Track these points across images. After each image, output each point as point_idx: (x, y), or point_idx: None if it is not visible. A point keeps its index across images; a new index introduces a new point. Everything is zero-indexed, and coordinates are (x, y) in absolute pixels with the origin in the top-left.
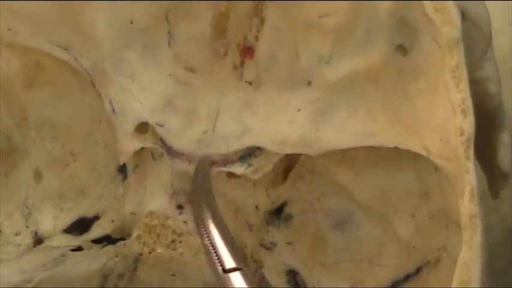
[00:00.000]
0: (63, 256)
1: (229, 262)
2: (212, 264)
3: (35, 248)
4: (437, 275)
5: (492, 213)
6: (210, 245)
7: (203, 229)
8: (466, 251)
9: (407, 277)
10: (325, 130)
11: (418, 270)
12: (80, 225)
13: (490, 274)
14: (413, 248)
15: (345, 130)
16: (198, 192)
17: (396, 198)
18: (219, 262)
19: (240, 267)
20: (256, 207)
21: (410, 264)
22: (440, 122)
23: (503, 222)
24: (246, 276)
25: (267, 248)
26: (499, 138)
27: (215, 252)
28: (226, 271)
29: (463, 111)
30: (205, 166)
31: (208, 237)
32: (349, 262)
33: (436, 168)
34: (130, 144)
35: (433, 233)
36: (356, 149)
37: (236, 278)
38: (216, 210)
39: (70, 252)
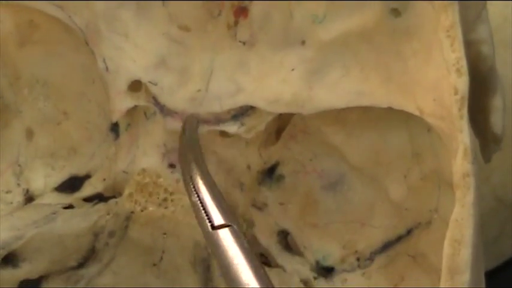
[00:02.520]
0: (54, 214)
1: (218, 219)
2: (201, 221)
3: (26, 206)
4: (429, 237)
5: (483, 182)
6: (198, 202)
7: (191, 186)
8: (459, 210)
9: (399, 238)
10: (318, 89)
11: (409, 232)
12: (72, 184)
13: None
14: (405, 209)
15: (338, 89)
16: (186, 150)
17: (388, 159)
18: (208, 219)
19: (229, 223)
20: (248, 167)
21: (402, 226)
22: (434, 82)
23: (494, 191)
24: (235, 233)
25: (259, 208)
26: (492, 101)
27: (204, 209)
28: (215, 227)
29: (458, 71)
30: (192, 124)
31: (196, 194)
32: (341, 223)
33: (429, 129)
34: (123, 103)
35: (424, 194)
36: (349, 110)
37: (225, 235)
38: (204, 167)
39: (61, 209)
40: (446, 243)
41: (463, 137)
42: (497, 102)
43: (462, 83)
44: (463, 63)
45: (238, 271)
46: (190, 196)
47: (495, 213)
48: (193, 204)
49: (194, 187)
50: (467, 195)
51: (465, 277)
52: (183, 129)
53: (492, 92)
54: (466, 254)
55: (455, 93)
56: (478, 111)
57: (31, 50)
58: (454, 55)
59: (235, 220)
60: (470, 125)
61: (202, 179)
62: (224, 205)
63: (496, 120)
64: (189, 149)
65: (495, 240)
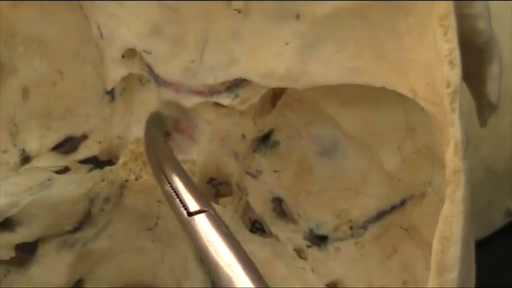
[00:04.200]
0: (49, 180)
1: (193, 205)
2: (176, 210)
3: (22, 170)
4: (422, 208)
5: (472, 152)
6: (171, 191)
7: (163, 177)
8: (449, 206)
9: (393, 208)
10: (312, 64)
11: (403, 202)
12: (67, 145)
13: (473, 227)
14: (399, 180)
15: (331, 65)
16: (152, 143)
17: (382, 130)
18: (183, 206)
19: (205, 209)
20: (243, 136)
21: (396, 196)
22: (428, 64)
23: (483, 161)
24: (212, 217)
25: (253, 176)
26: (488, 70)
27: (178, 197)
28: (191, 214)
29: (450, 62)
30: (155, 118)
31: (169, 183)
32: (335, 190)
33: (424, 109)
34: (117, 70)
35: (418, 167)
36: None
37: (202, 220)
38: (174, 157)
39: (56, 175)
40: (435, 239)
41: (454, 131)
42: (493, 71)
43: (454, 75)
44: (456, 54)
45: (219, 254)
46: (162, 186)
47: (485, 183)
48: (166, 194)
49: (166, 177)
50: (457, 192)
51: (453, 275)
52: (147, 123)
53: (488, 61)
54: (454, 251)
55: (448, 86)
56: (474, 78)
57: (26, 8)
58: (447, 46)
59: (210, 206)
60: (468, 88)
61: (173, 168)
62: (198, 192)
63: (492, 88)
64: (155, 141)
65: (485, 210)
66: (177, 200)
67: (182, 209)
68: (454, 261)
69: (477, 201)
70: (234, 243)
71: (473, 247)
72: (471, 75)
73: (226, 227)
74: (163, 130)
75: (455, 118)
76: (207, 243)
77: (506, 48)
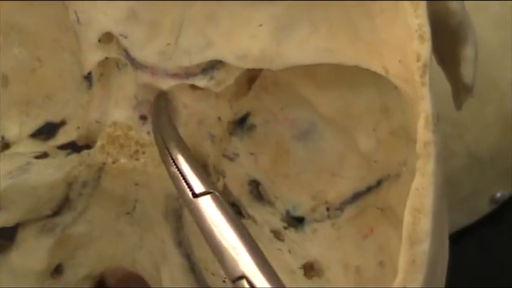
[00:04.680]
0: (28, 164)
1: (198, 187)
2: (181, 191)
3: (1, 156)
4: (398, 188)
5: (457, 139)
6: (177, 172)
7: (169, 157)
8: (419, 178)
9: (369, 189)
10: (286, 46)
11: (379, 183)
12: (46, 130)
13: (447, 200)
14: (374, 161)
15: (305, 46)
16: (159, 124)
17: (358, 111)
18: (189, 187)
19: (210, 190)
20: (219, 118)
21: (371, 177)
22: (400, 42)
23: (468, 149)
24: (217, 199)
25: (230, 159)
26: (462, 52)
27: (183, 178)
28: (197, 195)
29: (420, 37)
30: (162, 101)
31: (175, 164)
32: (311, 173)
33: (396, 86)
34: (94, 55)
35: (393, 147)
36: (319, 64)
37: (207, 201)
38: (180, 138)
39: (35, 160)
40: (406, 211)
41: (424, 104)
42: (467, 53)
43: (425, 49)
44: (426, 29)
45: (224, 236)
46: (168, 167)
47: (469, 170)
48: (172, 175)
49: (172, 158)
50: (427, 164)
51: (425, 246)
52: (154, 105)
53: (462, 43)
54: (425, 223)
55: (418, 59)
56: (449, 61)
57: None
58: (417, 21)
59: (215, 187)
60: (443, 71)
61: (179, 149)
62: (203, 173)
63: (467, 71)
64: (162, 123)
65: (469, 197)
66: (183, 181)
67: (187, 190)
68: (425, 233)
69: (462, 188)
70: (239, 226)
71: (446, 221)
72: (446, 58)
73: (231, 208)
74: (169, 111)
75: (426, 91)
76: (212, 225)
77: (491, 38)
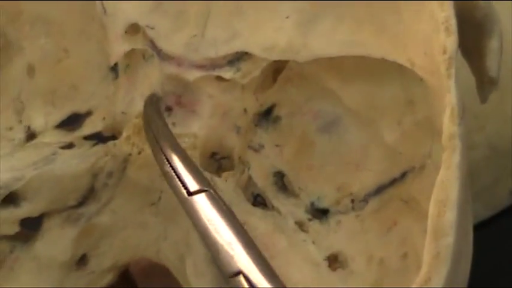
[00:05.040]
0: (53, 155)
1: (193, 185)
2: (176, 189)
3: (27, 145)
4: (422, 181)
5: (477, 131)
6: (171, 170)
7: (162, 156)
8: (445, 171)
9: (393, 182)
10: (312, 38)
11: (403, 175)
12: (72, 121)
13: (470, 193)
14: (399, 153)
15: (331, 38)
16: (151, 123)
17: (382, 104)
18: (183, 186)
19: (205, 188)
20: (245, 110)
21: (396, 169)
22: (426, 35)
23: (488, 140)
24: (212, 197)
25: (255, 150)
26: (487, 44)
27: (178, 177)
28: (191, 193)
29: (447, 29)
30: (153, 99)
31: (168, 163)
32: (336, 165)
33: (421, 79)
34: (120, 46)
35: (418, 139)
36: (344, 56)
37: (202, 199)
38: (173, 137)
39: (60, 150)
40: (431, 204)
41: (450, 97)
42: (493, 45)
43: (451, 42)
44: (452, 22)
45: (219, 233)
46: (162, 166)
47: (489, 162)
48: (166, 174)
49: (165, 156)
50: (453, 157)
51: (449, 239)
52: (145, 105)
53: (488, 35)
54: (451, 216)
55: (444, 52)
56: (474, 53)
57: None
58: (444, 14)
59: (210, 185)
60: (468, 64)
61: (172, 148)
62: (198, 171)
63: (492, 63)
64: (153, 122)
65: (489, 189)
66: (177, 179)
67: (182, 188)
68: (450, 226)
69: (481, 180)
70: (234, 222)
71: (470, 215)
72: (471, 50)
73: (227, 206)
74: (161, 111)
75: (452, 84)
76: (207, 223)
77: (508, 28)
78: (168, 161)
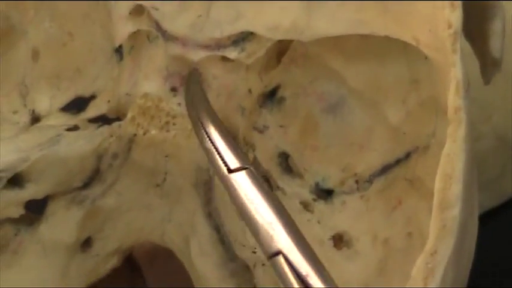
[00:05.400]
0: (58, 136)
1: (233, 162)
2: (216, 166)
3: (31, 127)
4: (427, 160)
5: (484, 121)
6: (212, 147)
7: (203, 132)
8: (450, 144)
9: (397, 162)
10: (317, 17)
11: (407, 155)
12: (77, 104)
13: (476, 171)
14: (404, 133)
15: (336, 18)
16: (193, 99)
17: (387, 84)
18: (223, 163)
19: (246, 166)
20: (249, 91)
21: (400, 149)
22: (430, 12)
23: (495, 131)
24: (253, 175)
25: (260, 131)
26: (491, 26)
27: (218, 153)
28: (232, 171)
29: (451, 5)
30: (195, 77)
31: (209, 139)
32: (340, 146)
33: (426, 57)
34: (125, 27)
35: (422, 119)
36: (348, 36)
37: (243, 177)
38: (214, 113)
39: (65, 132)
40: (437, 177)
41: (455, 71)
42: (496, 27)
43: (455, 16)
44: None
45: (259, 212)
46: (202, 142)
47: (496, 152)
48: (206, 150)
49: (206, 132)
50: (458, 130)
51: (455, 211)
52: (187, 80)
53: (491, 16)
54: (456, 188)
55: (449, 27)
56: (478, 35)
57: None
58: None
59: (250, 163)
60: (471, 47)
61: (213, 124)
62: (238, 148)
63: (495, 44)
64: (196, 98)
65: (496, 179)
66: (217, 156)
67: (222, 165)
68: (456, 198)
69: (488, 170)
70: (275, 202)
71: (476, 190)
72: (474, 33)
73: (267, 185)
74: (203, 87)
75: (457, 58)
76: (247, 201)
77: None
78: (208, 137)
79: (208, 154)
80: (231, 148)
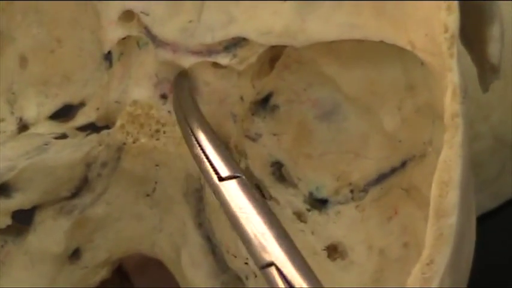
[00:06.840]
0: (46, 144)
1: (224, 170)
2: (206, 174)
3: (19, 136)
4: (423, 169)
5: (482, 121)
6: (202, 154)
7: (193, 139)
8: (447, 151)
9: (393, 171)
10: (311, 21)
11: (403, 164)
12: (65, 112)
13: (473, 177)
14: (399, 141)
15: (330, 22)
16: (181, 104)
17: (382, 90)
18: (214, 170)
19: (237, 174)
20: (241, 98)
21: (396, 158)
22: (426, 16)
23: (493, 131)
24: (244, 184)
25: (252, 139)
26: (489, 31)
27: (209, 161)
28: (223, 179)
29: (448, 8)
30: (183, 80)
31: (199, 146)
32: (335, 154)
33: (422, 62)
34: (114, 32)
35: (418, 126)
36: (342, 41)
37: (234, 186)
38: (204, 119)
39: (53, 140)
40: (433, 185)
41: (452, 76)
42: (494, 32)
43: (452, 20)
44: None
45: (251, 222)
46: (192, 149)
47: (494, 152)
48: (196, 158)
49: (196, 139)
50: (455, 136)
51: (452, 220)
52: (175, 84)
53: (489, 21)
54: (453, 196)
55: (446, 31)
56: (475, 40)
57: None
58: None
59: (242, 171)
60: (469, 53)
61: (203, 130)
62: (229, 156)
63: (493, 50)
64: (185, 103)
65: (495, 180)
66: (207, 163)
67: (213, 173)
68: (452, 206)
69: (487, 171)
70: (267, 212)
71: (473, 196)
72: (472, 38)
73: (259, 194)
74: (191, 91)
75: (453, 63)
76: (238, 211)
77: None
78: (198, 144)
79: (199, 162)
80: (221, 156)
